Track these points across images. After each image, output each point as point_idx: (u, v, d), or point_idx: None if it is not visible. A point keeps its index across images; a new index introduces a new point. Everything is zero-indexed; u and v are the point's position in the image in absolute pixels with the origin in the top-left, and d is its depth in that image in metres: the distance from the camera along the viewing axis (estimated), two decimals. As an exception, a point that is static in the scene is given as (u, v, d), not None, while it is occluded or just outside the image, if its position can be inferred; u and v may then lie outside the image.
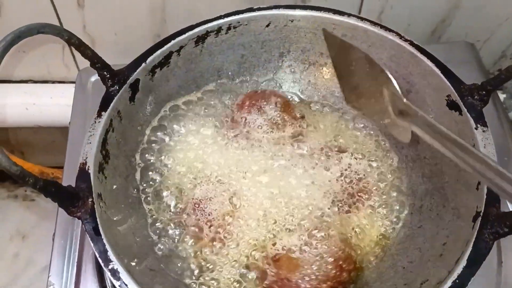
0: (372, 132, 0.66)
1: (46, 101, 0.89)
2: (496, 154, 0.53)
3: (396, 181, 0.62)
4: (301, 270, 0.54)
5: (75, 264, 0.62)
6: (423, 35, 0.87)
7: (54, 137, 1.04)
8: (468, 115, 0.55)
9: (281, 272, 0.54)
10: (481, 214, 0.48)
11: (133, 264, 0.50)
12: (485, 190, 0.50)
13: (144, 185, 0.61)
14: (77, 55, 0.85)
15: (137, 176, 0.61)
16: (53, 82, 0.92)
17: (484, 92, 0.55)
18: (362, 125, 0.67)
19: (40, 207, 1.15)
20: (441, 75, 0.58)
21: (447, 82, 0.57)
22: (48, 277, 0.61)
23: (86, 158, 0.52)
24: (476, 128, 0.54)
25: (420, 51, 0.60)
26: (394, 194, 0.61)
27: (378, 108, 0.56)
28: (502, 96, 0.95)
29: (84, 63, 0.57)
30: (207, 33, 0.64)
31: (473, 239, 0.47)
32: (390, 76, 0.54)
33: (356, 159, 0.63)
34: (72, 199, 0.49)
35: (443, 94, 0.58)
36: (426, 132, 0.48)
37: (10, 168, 0.43)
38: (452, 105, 0.57)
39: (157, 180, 0.62)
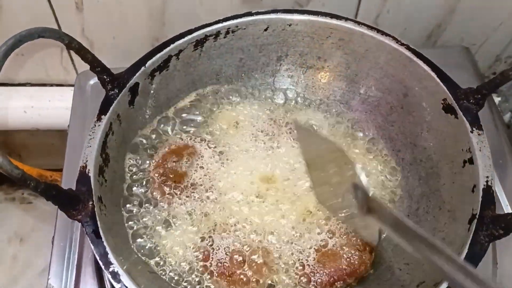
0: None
1: (44, 104, 0.89)
2: (492, 157, 0.54)
3: (392, 184, 0.63)
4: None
5: (75, 266, 0.62)
6: (419, 40, 0.87)
7: (53, 140, 1.04)
8: (464, 118, 0.56)
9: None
10: (477, 216, 0.49)
11: (134, 266, 0.51)
12: (481, 193, 0.50)
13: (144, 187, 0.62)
14: (76, 58, 0.86)
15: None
16: (52, 85, 0.92)
17: (479, 96, 0.56)
18: (360, 129, 0.68)
19: (37, 210, 1.15)
20: (437, 79, 0.59)
21: (443, 86, 0.58)
22: (48, 279, 0.61)
23: (87, 161, 0.53)
24: (471, 132, 0.55)
25: (416, 55, 0.61)
26: (390, 197, 0.62)
27: (346, 206, 0.53)
28: (497, 100, 0.96)
29: (83, 66, 0.57)
30: (206, 37, 0.64)
31: (469, 241, 0.48)
32: (357, 168, 0.51)
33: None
34: (73, 202, 0.49)
35: (439, 97, 0.59)
36: (393, 229, 0.44)
37: (11, 171, 0.43)
38: (448, 109, 0.58)
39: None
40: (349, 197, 0.51)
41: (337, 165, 0.54)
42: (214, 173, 0.62)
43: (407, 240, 0.42)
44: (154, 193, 0.60)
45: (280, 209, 0.59)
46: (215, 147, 0.64)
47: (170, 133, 0.66)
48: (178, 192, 0.60)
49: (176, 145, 0.63)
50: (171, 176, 0.61)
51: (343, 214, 0.55)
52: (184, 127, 0.66)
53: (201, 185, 0.61)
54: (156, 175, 0.61)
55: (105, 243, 0.48)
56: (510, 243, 0.58)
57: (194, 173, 0.62)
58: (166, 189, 0.60)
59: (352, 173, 0.51)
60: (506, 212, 0.66)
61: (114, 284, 0.47)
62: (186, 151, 0.63)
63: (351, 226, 0.56)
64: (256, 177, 0.62)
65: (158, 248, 0.57)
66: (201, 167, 0.62)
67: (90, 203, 0.50)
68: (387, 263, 0.57)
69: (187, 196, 0.60)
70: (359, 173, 0.50)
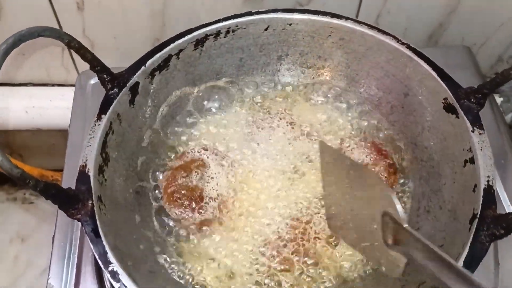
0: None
1: (45, 104, 0.89)
2: (493, 157, 0.53)
3: (393, 184, 0.63)
4: None
5: (75, 266, 0.62)
6: (420, 39, 0.87)
7: (54, 140, 1.04)
8: (465, 118, 0.55)
9: None
10: (478, 216, 0.49)
11: (133, 266, 0.51)
12: (482, 193, 0.50)
13: (144, 187, 0.61)
14: (77, 58, 0.85)
15: (137, 179, 0.61)
16: (53, 85, 0.92)
17: (480, 95, 0.56)
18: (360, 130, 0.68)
19: (39, 210, 1.15)
20: (438, 79, 0.59)
21: (444, 85, 0.58)
22: (48, 279, 0.61)
23: (86, 160, 0.53)
24: (472, 131, 0.54)
25: (417, 54, 0.61)
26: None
27: (366, 235, 0.50)
28: (499, 100, 0.95)
29: (84, 66, 0.57)
30: (206, 37, 0.64)
31: (470, 241, 0.48)
32: (394, 197, 0.45)
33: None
34: (72, 201, 0.49)
35: (440, 97, 0.58)
36: (424, 261, 0.41)
37: (11, 170, 0.43)
38: (449, 108, 0.57)
39: (157, 183, 0.62)
40: (371, 225, 0.48)
41: (366, 191, 0.51)
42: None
43: (438, 272, 0.39)
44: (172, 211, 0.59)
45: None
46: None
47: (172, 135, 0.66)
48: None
49: (183, 160, 0.62)
50: (183, 192, 0.60)
51: (362, 245, 0.52)
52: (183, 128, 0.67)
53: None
54: (169, 192, 0.60)
55: (104, 242, 0.48)
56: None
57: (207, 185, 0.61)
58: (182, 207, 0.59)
59: (385, 202, 0.46)
60: (507, 212, 0.66)
61: (113, 283, 0.46)
62: (193, 164, 0.62)
63: (370, 259, 0.53)
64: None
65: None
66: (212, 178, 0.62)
67: (90, 202, 0.50)
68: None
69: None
70: (396, 202, 0.45)
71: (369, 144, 0.63)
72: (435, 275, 0.39)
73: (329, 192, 0.59)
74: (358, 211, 0.53)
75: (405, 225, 0.44)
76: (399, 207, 0.45)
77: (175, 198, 0.59)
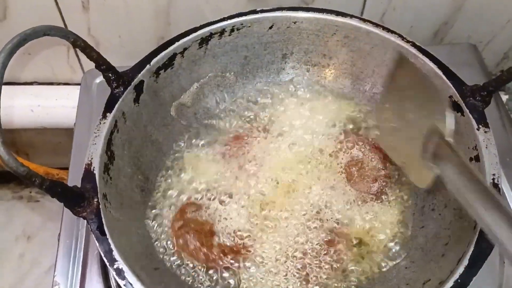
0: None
1: (51, 103, 0.89)
2: (499, 155, 0.53)
3: (398, 182, 0.63)
4: None
5: (80, 264, 0.62)
6: (425, 37, 0.87)
7: (60, 139, 1.05)
8: (470, 116, 0.55)
9: None
10: (483, 214, 0.49)
11: (138, 263, 0.51)
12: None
13: (150, 186, 0.62)
14: (82, 57, 0.86)
15: (142, 177, 0.62)
16: (58, 84, 0.92)
17: (485, 93, 0.56)
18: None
19: (44, 208, 1.16)
20: (443, 76, 0.58)
21: (449, 83, 0.58)
22: (54, 276, 0.61)
23: (92, 158, 0.53)
24: (478, 129, 0.54)
25: (422, 52, 0.60)
26: (396, 194, 0.62)
27: (408, 145, 0.51)
28: (504, 97, 0.95)
29: (89, 65, 0.57)
30: (210, 35, 0.64)
31: (475, 239, 0.48)
32: (448, 111, 0.47)
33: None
34: (78, 199, 0.49)
35: (445, 95, 0.58)
36: (460, 183, 0.42)
37: (17, 168, 0.43)
38: (454, 106, 0.57)
39: (162, 181, 0.63)
40: (416, 137, 0.49)
41: (424, 98, 0.52)
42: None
43: (467, 195, 0.40)
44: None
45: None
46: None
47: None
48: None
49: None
50: (193, 225, 0.59)
51: (402, 154, 0.54)
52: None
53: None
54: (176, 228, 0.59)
55: (109, 240, 0.48)
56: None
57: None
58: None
59: (438, 114, 0.47)
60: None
61: (119, 281, 0.47)
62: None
63: (405, 167, 0.54)
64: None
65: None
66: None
67: (95, 200, 0.50)
68: (393, 261, 0.57)
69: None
70: (448, 116, 0.46)
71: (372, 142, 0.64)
72: (462, 191, 0.40)
73: (388, 100, 0.58)
74: (408, 121, 0.53)
75: (449, 139, 0.45)
76: (450, 120, 0.46)
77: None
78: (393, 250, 0.58)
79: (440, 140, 0.46)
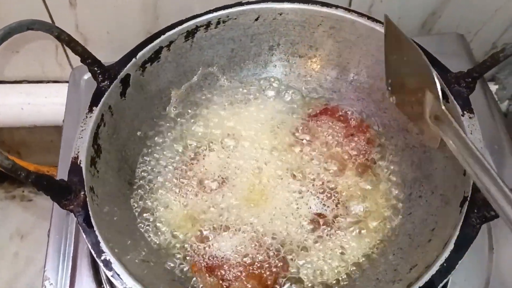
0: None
1: (41, 100, 0.90)
2: (487, 143, 0.54)
3: (385, 170, 0.63)
4: None
5: (71, 258, 0.62)
6: (413, 28, 0.87)
7: (51, 137, 1.05)
8: (455, 102, 0.55)
9: None
10: (468, 198, 0.49)
11: (126, 255, 0.51)
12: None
13: (136, 179, 0.62)
14: (71, 54, 0.86)
15: (129, 170, 0.62)
16: (48, 81, 0.92)
17: (470, 80, 0.56)
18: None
19: (38, 207, 1.16)
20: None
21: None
22: (44, 271, 0.62)
23: (78, 152, 0.53)
24: (462, 115, 0.54)
25: (407, 40, 0.60)
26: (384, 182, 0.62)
27: (416, 108, 0.54)
28: (494, 87, 0.95)
29: (78, 62, 0.57)
30: (196, 28, 0.64)
31: (460, 223, 0.48)
32: (435, 78, 0.50)
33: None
34: (64, 192, 0.50)
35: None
36: (454, 145, 0.47)
37: (2, 162, 0.43)
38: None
39: (149, 174, 0.63)
40: (422, 100, 0.52)
41: (416, 67, 0.54)
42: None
43: (464, 158, 0.45)
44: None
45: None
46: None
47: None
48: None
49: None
50: None
51: (411, 116, 0.56)
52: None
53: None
54: None
55: (96, 232, 0.48)
56: (505, 228, 0.57)
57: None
58: None
59: (429, 79, 0.51)
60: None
61: (106, 272, 0.47)
62: None
63: (416, 126, 0.57)
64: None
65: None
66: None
67: (82, 193, 0.50)
68: (381, 248, 0.57)
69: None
70: (436, 82, 0.50)
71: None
72: (460, 155, 0.45)
73: (391, 60, 0.60)
74: (410, 85, 0.56)
75: (442, 107, 0.49)
76: (438, 86, 0.49)
77: None
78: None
79: (439, 108, 0.50)
